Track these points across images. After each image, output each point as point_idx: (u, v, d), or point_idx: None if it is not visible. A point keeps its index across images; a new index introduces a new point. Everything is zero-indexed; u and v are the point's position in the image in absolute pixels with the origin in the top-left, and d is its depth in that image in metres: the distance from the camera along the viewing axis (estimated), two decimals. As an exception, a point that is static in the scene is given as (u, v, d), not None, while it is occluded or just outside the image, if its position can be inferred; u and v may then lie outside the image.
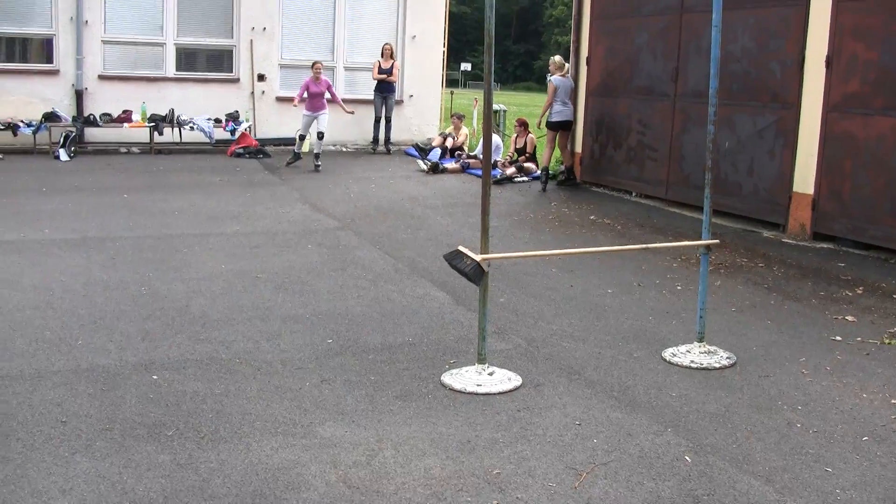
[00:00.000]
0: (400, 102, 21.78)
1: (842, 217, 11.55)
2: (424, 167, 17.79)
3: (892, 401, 6.25)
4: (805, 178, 12.08)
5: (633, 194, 15.69)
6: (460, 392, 6.13)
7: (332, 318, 7.71)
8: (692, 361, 6.84)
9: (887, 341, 7.61)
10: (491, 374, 6.35)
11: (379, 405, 5.83)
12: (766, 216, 12.49)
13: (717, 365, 6.81)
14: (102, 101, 19.17)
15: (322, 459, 5.05)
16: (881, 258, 10.93)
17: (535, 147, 18.15)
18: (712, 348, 7.04)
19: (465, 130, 20.11)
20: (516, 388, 6.23)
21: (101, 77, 19.43)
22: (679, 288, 9.31)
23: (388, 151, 20.61)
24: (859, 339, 7.62)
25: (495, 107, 20.14)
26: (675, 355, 6.97)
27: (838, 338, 7.64)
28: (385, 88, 20.27)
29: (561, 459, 5.13)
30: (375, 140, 20.65)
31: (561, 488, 4.80)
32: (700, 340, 7.06)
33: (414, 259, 10.17)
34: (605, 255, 10.85)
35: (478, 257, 6.23)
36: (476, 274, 6.22)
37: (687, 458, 5.22)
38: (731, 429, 5.70)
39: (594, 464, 5.10)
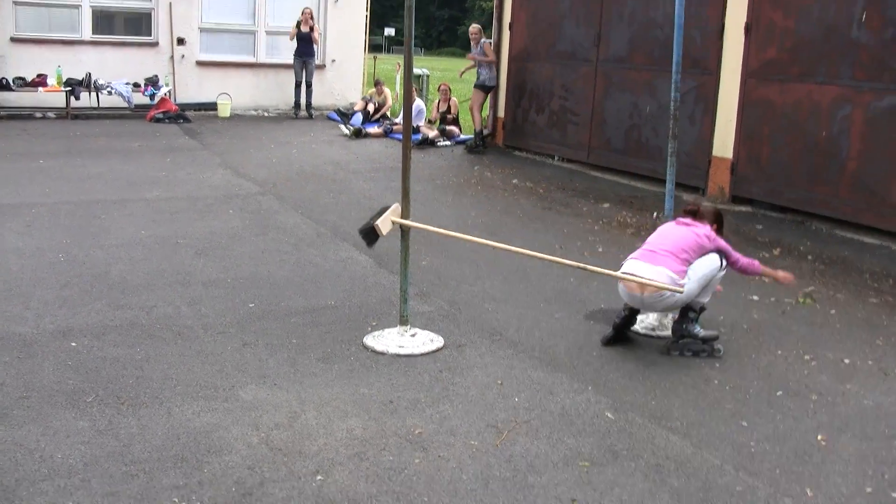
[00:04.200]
0: (322, 67, 21.60)
1: (759, 181, 11.75)
2: (347, 132, 17.71)
3: (806, 357, 6.39)
4: (724, 142, 12.26)
5: (556, 158, 15.78)
6: (382, 354, 6.14)
7: (254, 283, 7.66)
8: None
9: (801, 301, 7.77)
10: (413, 335, 6.36)
11: (301, 368, 5.82)
12: (687, 180, 12.64)
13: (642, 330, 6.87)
14: (16, 64, 18.67)
15: (244, 422, 5.02)
16: (797, 220, 11.14)
17: (458, 111, 18.14)
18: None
19: (388, 94, 20.00)
20: (438, 350, 6.25)
21: (14, 40, 18.92)
22: (600, 250, 9.39)
23: (311, 116, 20.45)
24: (774, 298, 7.77)
25: (418, 71, 20.10)
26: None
27: (755, 297, 7.79)
28: (305, 52, 20.05)
29: (483, 418, 5.17)
30: (297, 105, 20.47)
31: (483, 446, 4.84)
32: None
33: (336, 223, 10.13)
34: (528, 218, 10.93)
35: (379, 221, 6.22)
36: (367, 235, 6.23)
37: (607, 414, 5.30)
38: (650, 386, 5.79)
39: (516, 422, 5.15)
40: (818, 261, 9.30)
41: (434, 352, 6.20)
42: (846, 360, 6.34)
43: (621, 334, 6.51)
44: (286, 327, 6.55)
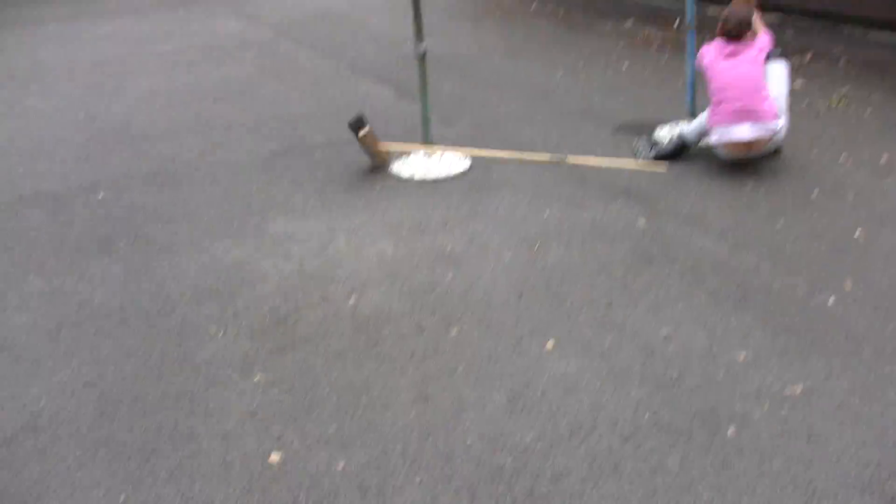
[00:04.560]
0: None
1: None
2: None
3: (842, 157, 6.26)
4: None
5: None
6: (409, 179, 6.06)
7: (276, 122, 7.57)
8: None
9: (835, 103, 7.58)
10: (440, 157, 6.28)
11: (328, 199, 5.77)
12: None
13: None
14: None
15: (275, 254, 5.01)
16: (828, 25, 10.81)
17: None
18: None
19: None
20: (466, 171, 6.17)
21: None
22: (624, 68, 9.19)
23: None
24: (807, 101, 7.59)
25: None
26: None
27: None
28: None
29: (514, 233, 5.12)
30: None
31: (515, 260, 4.80)
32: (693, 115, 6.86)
33: (354, 59, 9.96)
34: (549, 41, 10.70)
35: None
36: (354, 123, 6.11)
37: (640, 222, 5.23)
38: (683, 192, 5.69)
39: (547, 234, 5.09)
40: (851, 64, 9.04)
41: (461, 173, 6.12)
42: (883, 159, 6.20)
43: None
44: (310, 162, 6.49)
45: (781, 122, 5.79)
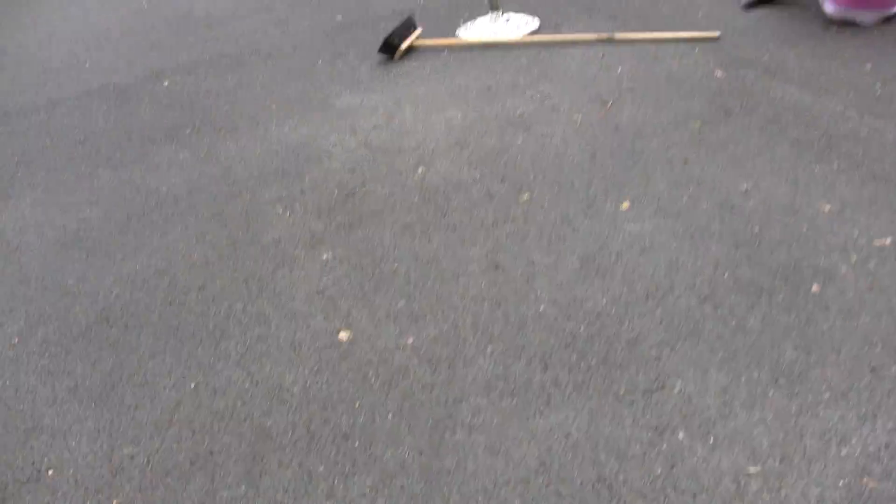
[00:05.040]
0: None
1: None
2: None
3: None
4: None
5: None
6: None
7: (340, -4, 7.39)
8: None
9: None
10: (507, 20, 6.06)
11: (393, 70, 5.62)
12: None
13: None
14: None
15: (341, 129, 4.90)
16: None
17: None
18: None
19: None
20: (534, 31, 5.94)
21: None
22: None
23: None
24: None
25: None
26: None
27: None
28: None
29: (585, 92, 4.93)
30: None
31: (587, 119, 4.62)
32: None
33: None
34: None
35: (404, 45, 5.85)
36: (385, 47, 5.84)
37: (717, 73, 4.98)
38: (761, 40, 5.40)
39: (620, 92, 4.89)
40: None
41: (530, 34, 5.90)
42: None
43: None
44: (376, 33, 6.31)
45: None
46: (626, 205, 3.81)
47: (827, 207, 3.63)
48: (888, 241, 3.38)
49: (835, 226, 3.51)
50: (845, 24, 5.40)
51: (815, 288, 3.16)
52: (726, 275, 3.28)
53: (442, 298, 3.36)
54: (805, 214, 3.59)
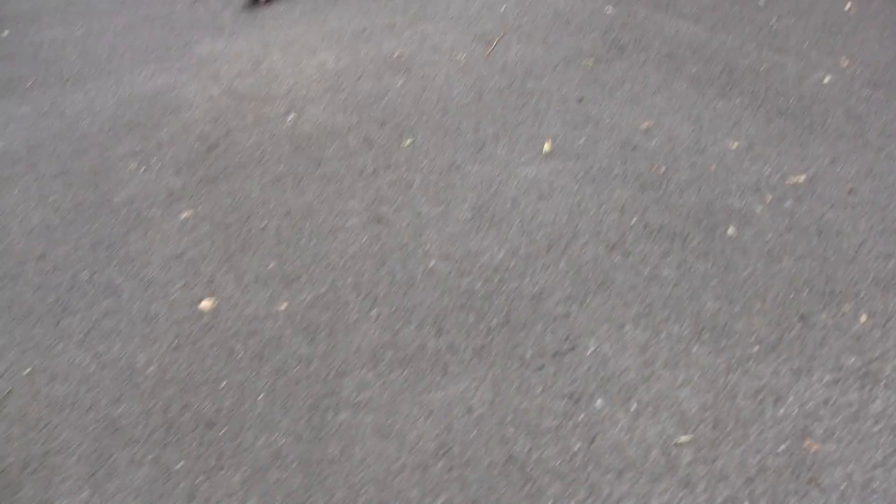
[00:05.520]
0: None
1: None
2: None
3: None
4: None
5: None
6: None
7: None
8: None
9: None
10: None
11: (260, 13, 5.19)
12: None
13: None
14: None
15: (202, 76, 4.43)
16: None
17: None
18: None
19: None
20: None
21: None
22: None
23: None
24: None
25: None
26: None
27: None
28: None
29: (468, 31, 4.56)
30: None
31: (472, 59, 4.25)
32: None
33: None
34: None
35: None
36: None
37: (608, 9, 4.67)
38: (650, -26, 5.11)
39: (506, 30, 4.53)
40: None
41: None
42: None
43: None
44: (240, -23, 5.82)
45: None
46: (518, 147, 3.46)
47: (734, 145, 3.34)
48: (802, 178, 3.11)
49: (744, 164, 3.22)
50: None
51: (730, 231, 2.86)
52: (634, 220, 2.96)
53: (318, 257, 2.97)
54: (712, 153, 3.30)
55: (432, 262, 2.85)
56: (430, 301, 2.69)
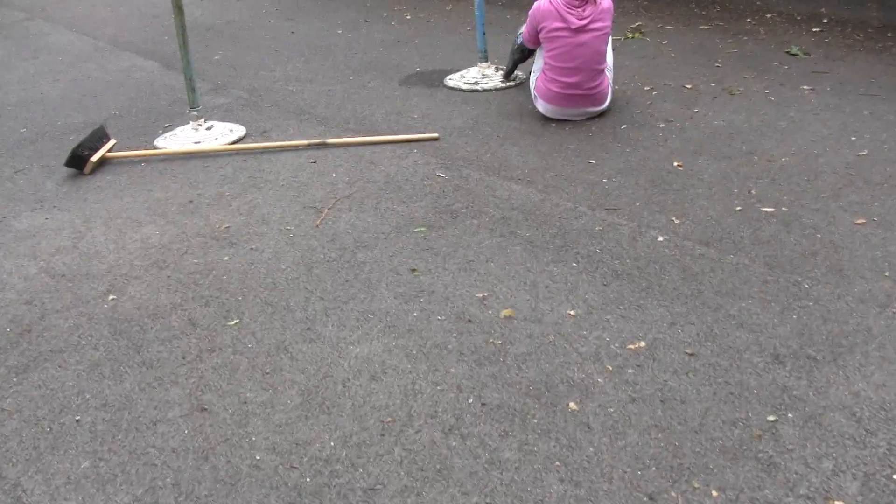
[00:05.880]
0: None
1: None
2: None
3: (646, 88, 5.86)
4: None
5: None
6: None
7: (24, 108, 6.64)
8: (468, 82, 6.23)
9: (630, 35, 7.23)
10: (209, 128, 5.54)
11: (84, 184, 4.97)
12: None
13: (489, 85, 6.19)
14: None
15: (18, 254, 4.19)
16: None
17: None
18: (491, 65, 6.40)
19: None
20: (240, 138, 5.45)
21: None
22: (408, 17, 8.62)
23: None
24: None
25: None
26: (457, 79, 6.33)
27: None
28: None
29: (297, 200, 4.46)
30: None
31: (301, 230, 4.14)
32: (484, 60, 6.40)
33: (116, 35, 9.05)
34: (326, -2, 10.02)
35: (94, 157, 5.21)
36: (74, 161, 5.22)
37: (439, 174, 4.65)
38: (482, 139, 5.15)
39: (336, 198, 4.45)
40: (639, -6, 8.75)
41: (235, 142, 5.39)
42: (688, 86, 5.83)
43: None
44: (64, 147, 5.62)
45: (609, 98, 5.31)
46: (348, 324, 3.33)
47: (572, 312, 3.29)
48: (642, 343, 3.07)
49: (583, 332, 3.17)
50: (562, 121, 5.24)
51: (572, 405, 2.78)
52: (471, 399, 2.84)
53: (136, 454, 2.74)
54: (550, 322, 3.23)
55: (258, 456, 2.67)
56: (256, 500, 2.49)
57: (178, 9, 5.33)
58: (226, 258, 3.94)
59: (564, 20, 5.04)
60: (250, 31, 8.58)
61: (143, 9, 10.18)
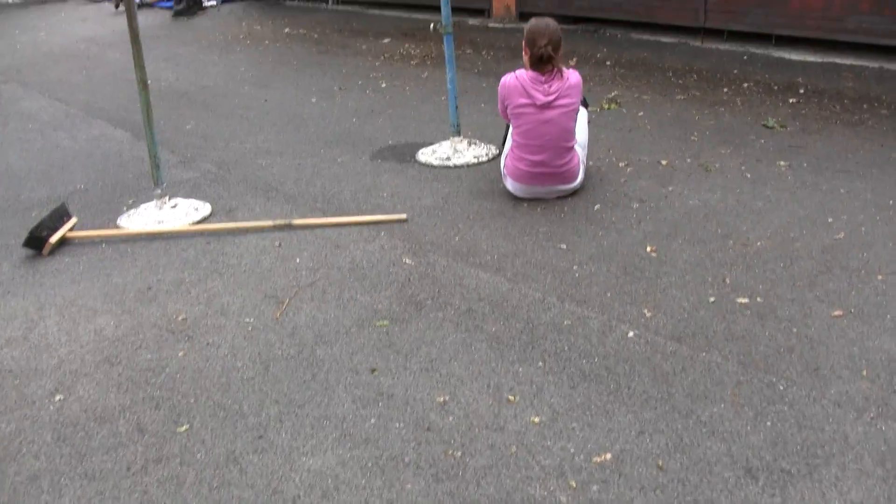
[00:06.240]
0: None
1: (545, -8, 11.08)
2: (114, 7, 16.01)
3: (620, 164, 5.77)
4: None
5: (330, 2, 14.73)
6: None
7: (-13, 180, 6.51)
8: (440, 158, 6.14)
9: (606, 106, 7.17)
10: (174, 206, 5.42)
11: (41, 267, 4.82)
12: (471, 3, 11.85)
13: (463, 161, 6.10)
14: None
15: (-35, 346, 4.04)
16: (590, 30, 10.54)
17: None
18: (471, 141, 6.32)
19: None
20: (205, 218, 5.32)
21: None
22: (384, 86, 8.55)
23: (62, -3, 18.57)
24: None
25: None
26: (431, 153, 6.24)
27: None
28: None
29: (258, 289, 4.33)
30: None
31: (260, 323, 4.00)
32: (457, 134, 6.30)
33: (88, 101, 8.94)
34: (303, 65, 9.96)
35: (53, 238, 5.07)
36: (32, 242, 5.08)
37: (406, 260, 4.54)
38: (451, 221, 5.04)
39: (298, 287, 4.32)
40: (618, 66, 8.71)
41: (200, 221, 5.26)
42: (663, 161, 5.75)
43: None
44: (25, 223, 5.48)
45: (581, 177, 5.22)
46: (303, 432, 3.18)
47: (536, 419, 3.17)
48: (608, 456, 2.94)
49: (547, 442, 3.04)
50: (534, 201, 5.13)
51: (531, 530, 2.63)
52: (426, 520, 2.69)
53: (69, 582, 2.58)
54: (512, 430, 3.10)
55: (197, 588, 2.51)
56: None
57: (143, 84, 5.23)
58: (181, 353, 3.80)
59: (530, 96, 4.95)
60: (224, 98, 8.49)
61: (118, 73, 10.09)
